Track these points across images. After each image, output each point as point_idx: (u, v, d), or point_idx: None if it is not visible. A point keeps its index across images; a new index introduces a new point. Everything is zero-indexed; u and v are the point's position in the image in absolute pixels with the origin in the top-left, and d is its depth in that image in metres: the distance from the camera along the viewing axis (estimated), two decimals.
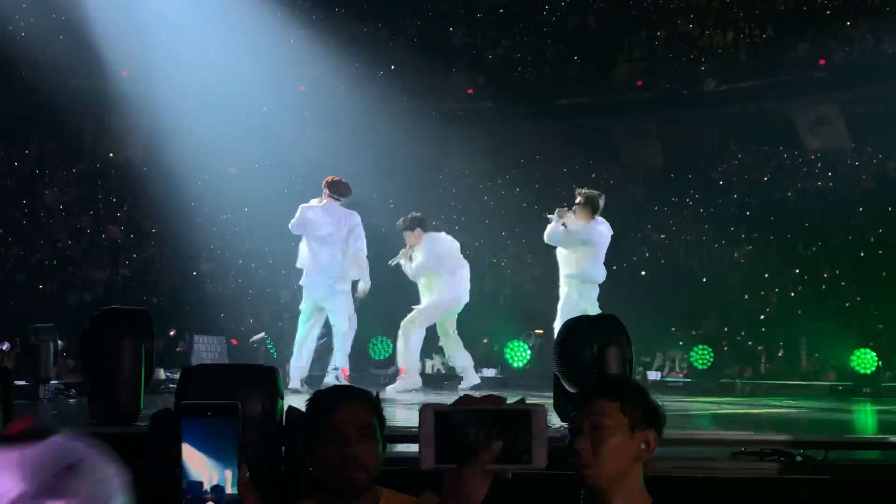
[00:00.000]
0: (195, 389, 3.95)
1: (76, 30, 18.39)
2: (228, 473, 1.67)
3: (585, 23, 23.10)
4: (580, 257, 9.25)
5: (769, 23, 21.13)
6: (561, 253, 9.47)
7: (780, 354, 14.88)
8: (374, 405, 2.64)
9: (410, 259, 9.61)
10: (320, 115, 20.01)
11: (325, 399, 2.63)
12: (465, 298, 9.64)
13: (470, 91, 22.08)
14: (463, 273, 9.66)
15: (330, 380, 8.92)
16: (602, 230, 9.28)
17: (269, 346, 11.79)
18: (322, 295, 9.23)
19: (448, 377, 11.31)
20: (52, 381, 8.39)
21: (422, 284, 9.69)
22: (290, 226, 9.52)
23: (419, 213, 9.93)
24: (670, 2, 22.47)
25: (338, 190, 9.40)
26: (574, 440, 2.47)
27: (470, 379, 9.72)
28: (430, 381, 11.07)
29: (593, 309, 8.93)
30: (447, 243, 9.72)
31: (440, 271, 9.47)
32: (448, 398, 1.82)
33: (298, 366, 9.26)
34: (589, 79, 22.02)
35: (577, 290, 9.25)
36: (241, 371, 4.24)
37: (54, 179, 19.58)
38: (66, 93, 18.42)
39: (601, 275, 9.37)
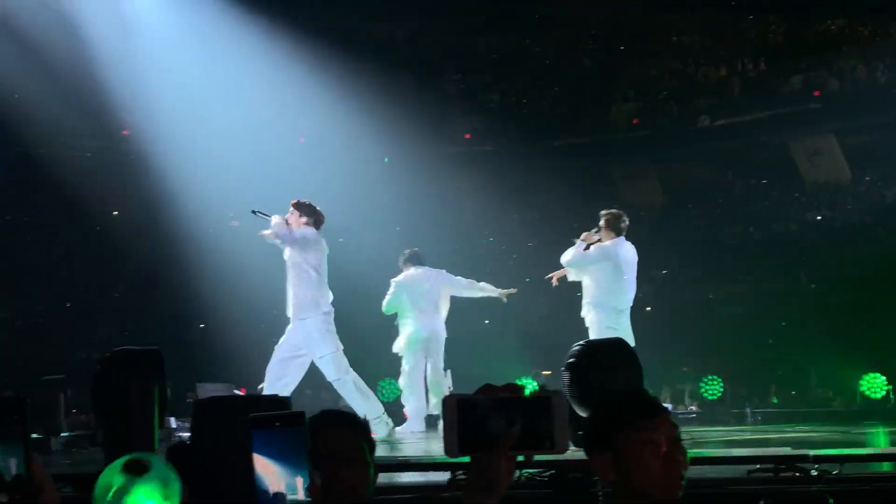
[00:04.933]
0: (209, 419, 3.99)
1: (77, 91, 18.59)
2: (299, 480, 1.70)
3: (580, 64, 23.34)
4: (601, 280, 8.87)
5: (761, 56, 21.34)
6: (583, 279, 9.20)
7: (789, 389, 14.85)
8: (361, 429, 2.67)
9: None
10: (321, 165, 20.15)
11: (313, 426, 2.65)
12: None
13: (468, 136, 22.26)
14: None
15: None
16: (621, 251, 8.92)
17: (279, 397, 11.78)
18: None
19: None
20: (63, 434, 8.38)
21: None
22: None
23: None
24: (662, 41, 22.73)
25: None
26: (671, 451, 2.38)
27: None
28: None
29: (629, 337, 8.42)
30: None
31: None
32: None
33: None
34: (585, 119, 22.19)
35: (604, 318, 8.80)
36: (254, 403, 4.27)
37: (59, 239, 19.69)
38: (68, 153, 18.60)
39: (624, 300, 8.91)
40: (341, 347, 8.96)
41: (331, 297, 8.99)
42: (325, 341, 8.72)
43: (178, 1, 18.60)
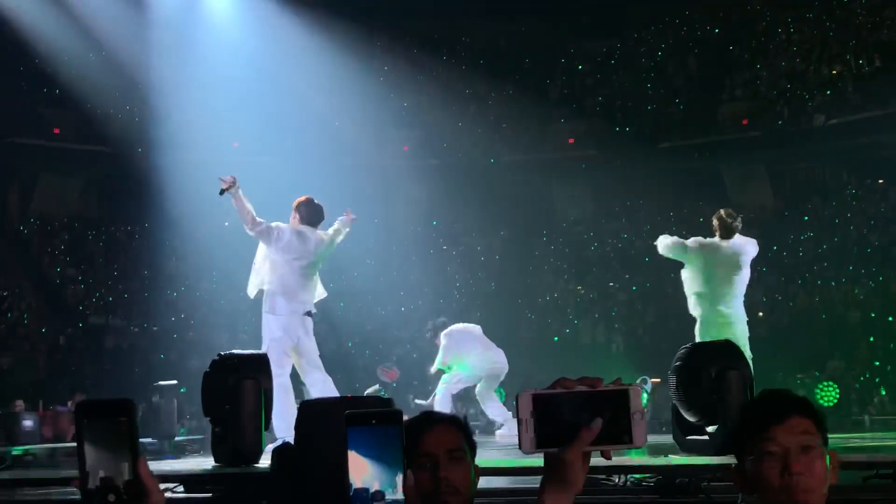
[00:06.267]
0: (312, 422, 4.03)
1: (186, 105, 19.16)
2: (399, 478, 1.72)
3: (685, 65, 22.98)
4: (688, 279, 8.29)
5: (875, 54, 20.62)
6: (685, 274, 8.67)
7: None
8: (463, 429, 2.66)
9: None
10: (426, 173, 20.37)
11: (415, 426, 2.65)
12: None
13: (571, 140, 22.08)
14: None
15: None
16: (732, 244, 8.38)
17: (382, 398, 11.91)
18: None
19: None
20: (176, 438, 8.59)
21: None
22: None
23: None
24: (771, 40, 22.20)
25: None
26: (791, 464, 2.12)
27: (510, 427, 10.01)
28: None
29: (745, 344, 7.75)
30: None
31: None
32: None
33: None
34: (692, 121, 21.80)
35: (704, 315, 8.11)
36: (357, 404, 4.30)
37: (173, 250, 20.30)
38: (183, 166, 19.20)
39: (715, 296, 8.12)
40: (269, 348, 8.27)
41: (307, 296, 8.43)
42: (263, 340, 8.30)
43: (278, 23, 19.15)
